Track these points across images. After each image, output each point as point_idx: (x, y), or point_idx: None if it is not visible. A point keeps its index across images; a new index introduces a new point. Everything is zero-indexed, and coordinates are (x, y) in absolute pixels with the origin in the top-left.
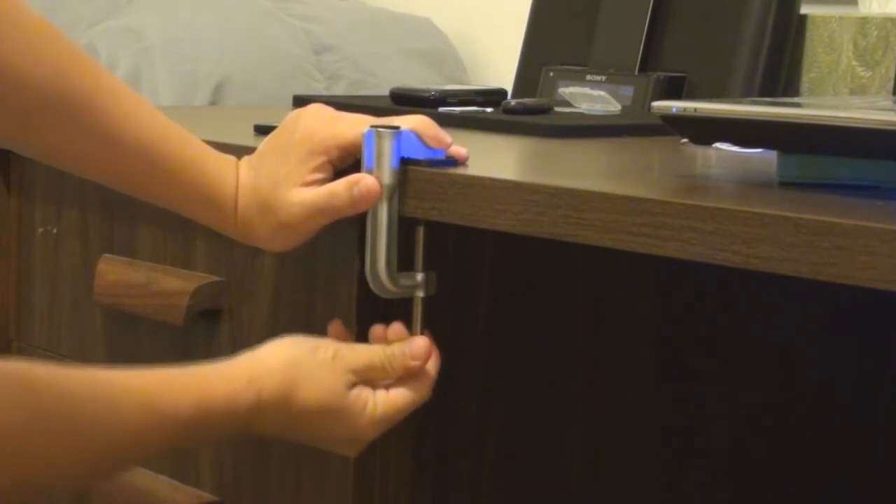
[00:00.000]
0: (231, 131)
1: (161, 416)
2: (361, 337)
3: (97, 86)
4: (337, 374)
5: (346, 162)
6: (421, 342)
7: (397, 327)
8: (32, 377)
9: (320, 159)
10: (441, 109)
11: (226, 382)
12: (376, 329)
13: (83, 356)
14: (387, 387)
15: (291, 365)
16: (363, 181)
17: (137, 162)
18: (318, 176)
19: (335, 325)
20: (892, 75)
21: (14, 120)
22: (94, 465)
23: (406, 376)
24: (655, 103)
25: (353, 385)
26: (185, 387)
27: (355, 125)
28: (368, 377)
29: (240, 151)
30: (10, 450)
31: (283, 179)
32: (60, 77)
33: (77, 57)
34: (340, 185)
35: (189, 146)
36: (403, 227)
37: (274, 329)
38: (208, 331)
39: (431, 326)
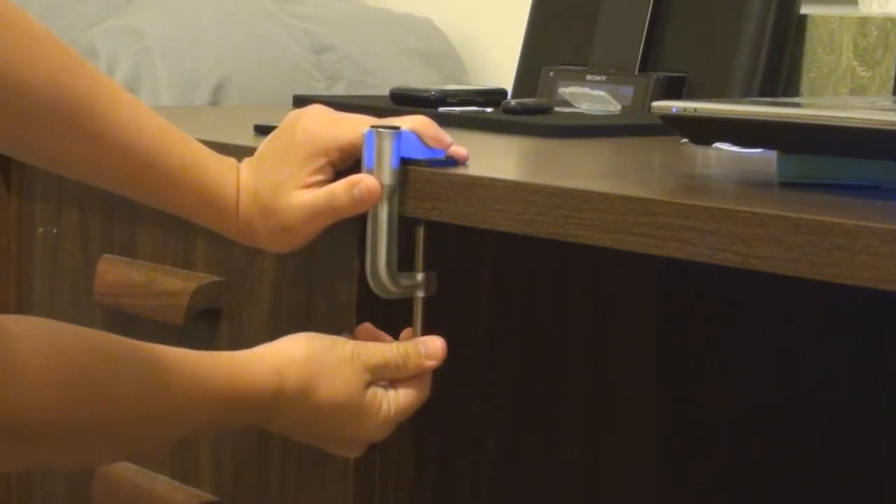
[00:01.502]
0: (231, 131)
1: (201, 388)
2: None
3: (96, 91)
4: (357, 372)
5: (347, 163)
6: (438, 342)
7: (367, 327)
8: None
9: (320, 161)
10: (441, 109)
11: (252, 368)
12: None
13: None
14: (395, 386)
15: (312, 358)
16: (363, 182)
17: (138, 167)
18: (319, 178)
19: (365, 328)
20: (892, 75)
21: (13, 127)
22: (136, 431)
23: (413, 375)
24: (655, 103)
25: (369, 384)
26: (216, 363)
27: (355, 126)
28: (382, 376)
29: (240, 151)
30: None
31: (283, 182)
32: (59, 83)
33: (75, 62)
34: (340, 186)
35: (189, 150)
36: (403, 227)
37: (274, 329)
38: (208, 331)
39: (431, 326)
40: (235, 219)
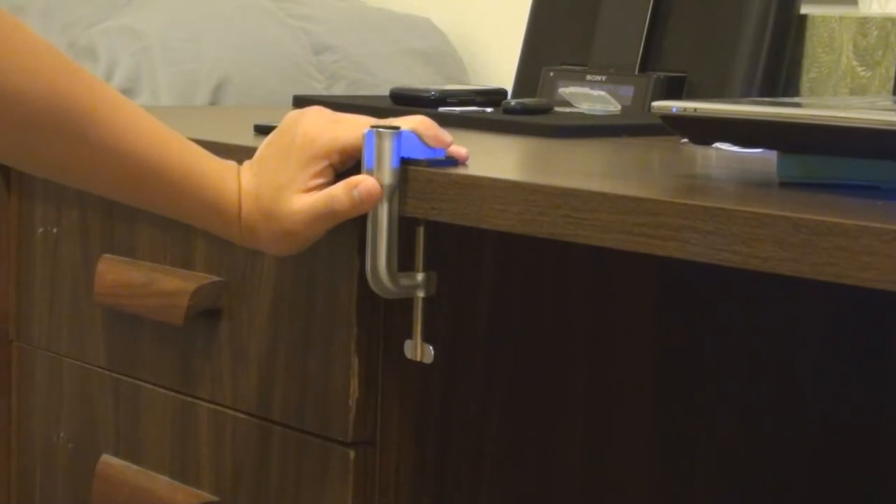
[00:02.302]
0: (231, 131)
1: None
2: (361, 337)
3: (94, 100)
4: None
5: (348, 165)
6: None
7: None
8: None
9: (321, 164)
10: (441, 109)
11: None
12: None
13: (83, 356)
14: None
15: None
16: (363, 183)
17: (138, 174)
18: (320, 181)
19: None
20: (892, 75)
21: (11, 136)
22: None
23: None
24: (655, 103)
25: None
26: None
27: (355, 128)
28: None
29: (240, 152)
30: None
31: (284, 186)
32: (56, 92)
33: (73, 71)
34: (339, 188)
35: (190, 155)
36: (403, 227)
37: (274, 329)
38: (208, 331)
39: (431, 326)
40: (237, 223)
